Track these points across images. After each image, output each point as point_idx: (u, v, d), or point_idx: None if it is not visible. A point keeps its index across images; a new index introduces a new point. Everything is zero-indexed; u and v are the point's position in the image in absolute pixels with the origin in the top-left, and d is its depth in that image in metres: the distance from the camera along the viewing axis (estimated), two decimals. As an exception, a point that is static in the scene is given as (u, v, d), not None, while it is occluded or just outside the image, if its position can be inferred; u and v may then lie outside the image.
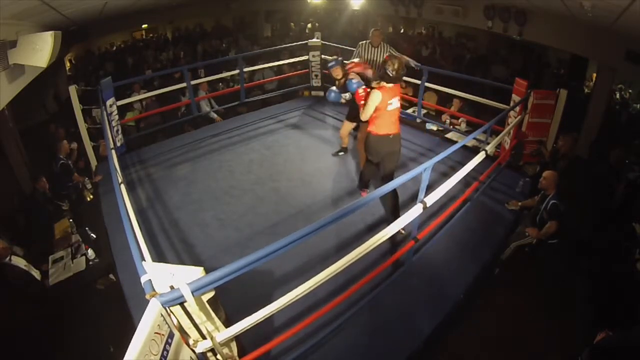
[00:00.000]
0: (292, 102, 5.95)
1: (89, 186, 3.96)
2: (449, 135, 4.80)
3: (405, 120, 5.28)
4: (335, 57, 4.16)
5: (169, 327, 1.35)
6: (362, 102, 3.17)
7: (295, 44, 6.16)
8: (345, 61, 3.92)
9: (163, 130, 5.24)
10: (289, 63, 6.07)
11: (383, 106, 2.93)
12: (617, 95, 6.89)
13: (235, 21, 11.80)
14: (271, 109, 5.73)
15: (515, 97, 3.89)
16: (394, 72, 2.84)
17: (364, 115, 3.02)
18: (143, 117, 5.42)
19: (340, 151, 4.36)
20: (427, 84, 4.63)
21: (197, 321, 1.44)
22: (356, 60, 4.20)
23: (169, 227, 3.23)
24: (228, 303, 1.76)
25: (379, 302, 2.47)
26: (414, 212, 2.26)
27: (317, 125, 5.17)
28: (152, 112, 5.29)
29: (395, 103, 3.01)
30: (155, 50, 9.52)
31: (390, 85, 2.93)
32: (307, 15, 11.51)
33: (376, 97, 2.92)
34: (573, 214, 3.42)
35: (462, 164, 2.71)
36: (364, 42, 4.36)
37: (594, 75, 6.69)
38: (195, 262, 2.82)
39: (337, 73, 3.77)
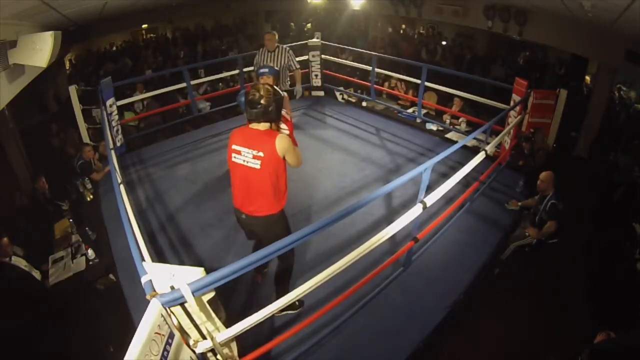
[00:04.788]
0: (292, 102, 5.95)
1: (89, 186, 3.96)
2: (449, 135, 4.80)
3: (405, 120, 5.30)
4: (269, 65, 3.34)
5: (169, 327, 1.35)
6: None
7: (295, 43, 6.16)
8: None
9: (163, 130, 5.25)
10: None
11: (229, 155, 1.99)
12: (617, 95, 6.90)
13: (235, 21, 11.80)
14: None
15: (515, 97, 3.89)
16: (256, 106, 1.88)
17: None
18: (143, 117, 5.42)
19: None
20: (427, 84, 4.63)
21: (198, 321, 1.44)
22: (255, 70, 4.08)
23: (169, 227, 3.23)
24: (228, 303, 1.75)
25: (378, 302, 2.47)
26: (414, 212, 2.26)
27: (316, 125, 5.17)
28: (152, 112, 5.29)
29: (247, 156, 1.91)
30: (155, 50, 9.52)
31: (253, 125, 1.94)
32: (307, 15, 11.50)
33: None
34: (573, 213, 3.43)
35: (462, 164, 2.70)
36: (262, 48, 4.24)
37: (589, 76, 6.73)
38: (196, 262, 2.82)
39: (263, 83, 3.09)
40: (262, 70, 2.96)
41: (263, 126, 1.95)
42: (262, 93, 1.89)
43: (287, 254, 2.14)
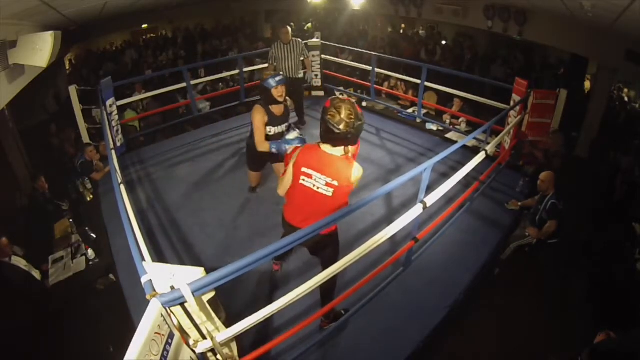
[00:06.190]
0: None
1: (89, 186, 3.96)
2: (449, 135, 4.80)
3: (405, 120, 5.30)
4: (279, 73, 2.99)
5: (169, 327, 1.35)
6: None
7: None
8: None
9: (163, 130, 5.25)
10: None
11: (296, 176, 1.88)
12: (617, 95, 6.91)
13: (236, 21, 11.81)
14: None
15: (515, 97, 3.89)
16: (334, 130, 1.72)
17: (278, 189, 2.02)
18: (143, 117, 5.42)
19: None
20: (427, 84, 4.63)
21: (198, 321, 1.44)
22: (271, 63, 4.42)
23: (169, 227, 3.23)
24: (228, 303, 1.75)
25: (378, 302, 2.47)
26: (414, 212, 2.26)
27: (316, 125, 5.11)
28: (152, 112, 5.29)
29: (319, 182, 1.82)
30: (155, 50, 9.53)
31: (327, 146, 1.81)
32: (307, 15, 11.51)
33: (295, 154, 1.90)
34: (573, 213, 3.43)
35: (462, 164, 2.70)
36: (277, 41, 4.49)
37: (589, 77, 6.73)
38: (195, 262, 2.82)
39: (281, 93, 2.77)
40: (278, 79, 2.74)
41: (338, 151, 1.82)
42: (343, 116, 1.71)
43: (332, 260, 2.06)
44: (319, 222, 1.64)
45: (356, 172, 1.83)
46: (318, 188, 1.83)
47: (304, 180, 1.86)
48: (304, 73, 4.92)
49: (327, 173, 1.80)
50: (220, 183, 3.86)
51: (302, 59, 4.71)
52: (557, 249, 3.09)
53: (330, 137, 1.76)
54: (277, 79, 2.74)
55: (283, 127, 2.92)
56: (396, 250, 2.65)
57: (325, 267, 2.10)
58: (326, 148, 1.83)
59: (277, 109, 2.85)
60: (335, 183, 1.80)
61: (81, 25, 5.76)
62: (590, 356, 1.89)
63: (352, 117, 1.73)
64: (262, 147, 2.75)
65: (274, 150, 2.69)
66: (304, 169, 1.84)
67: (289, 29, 4.50)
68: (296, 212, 1.98)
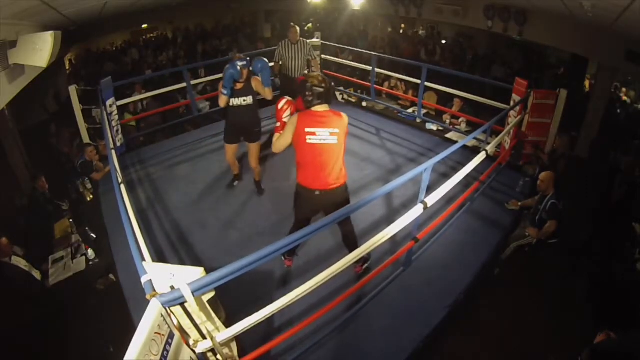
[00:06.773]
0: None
1: (89, 186, 3.96)
2: (449, 135, 4.80)
3: (405, 120, 5.30)
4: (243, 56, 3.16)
5: (169, 327, 1.36)
6: (279, 123, 2.34)
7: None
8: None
9: (163, 130, 5.25)
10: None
11: (302, 139, 2.17)
12: (617, 95, 6.91)
13: (236, 21, 11.81)
14: (271, 109, 5.72)
15: (515, 97, 3.89)
16: (318, 90, 2.16)
17: (274, 146, 2.30)
18: (143, 117, 5.42)
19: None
20: (427, 84, 4.63)
21: (198, 321, 1.44)
22: (277, 61, 4.53)
23: (169, 227, 3.23)
24: (228, 303, 1.76)
25: (379, 302, 2.47)
26: (415, 212, 2.26)
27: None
28: (152, 112, 5.29)
29: (323, 134, 2.16)
30: (155, 50, 9.52)
31: (317, 108, 2.21)
32: (307, 15, 11.50)
33: (291, 122, 2.20)
34: (573, 214, 3.42)
35: (463, 164, 2.70)
36: (284, 40, 4.53)
37: (588, 77, 6.72)
38: (195, 263, 2.82)
39: (243, 75, 3.07)
40: (242, 63, 3.02)
41: (324, 108, 2.21)
42: (320, 79, 2.18)
43: (346, 221, 2.43)
44: (330, 217, 1.78)
45: (346, 117, 2.25)
46: (325, 140, 2.16)
47: (310, 139, 2.16)
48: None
49: (328, 125, 2.17)
50: (220, 183, 3.86)
51: (308, 59, 4.72)
52: (557, 249, 3.09)
53: (318, 95, 2.17)
54: (242, 63, 3.02)
55: (241, 100, 3.20)
56: (396, 250, 2.65)
57: (342, 221, 2.40)
58: (317, 109, 2.20)
59: (237, 85, 3.17)
60: (337, 130, 2.17)
61: (81, 25, 5.74)
62: (590, 356, 1.89)
63: (324, 79, 2.20)
64: (221, 101, 3.15)
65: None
66: (307, 129, 2.15)
67: (298, 28, 4.50)
68: (310, 172, 2.24)
